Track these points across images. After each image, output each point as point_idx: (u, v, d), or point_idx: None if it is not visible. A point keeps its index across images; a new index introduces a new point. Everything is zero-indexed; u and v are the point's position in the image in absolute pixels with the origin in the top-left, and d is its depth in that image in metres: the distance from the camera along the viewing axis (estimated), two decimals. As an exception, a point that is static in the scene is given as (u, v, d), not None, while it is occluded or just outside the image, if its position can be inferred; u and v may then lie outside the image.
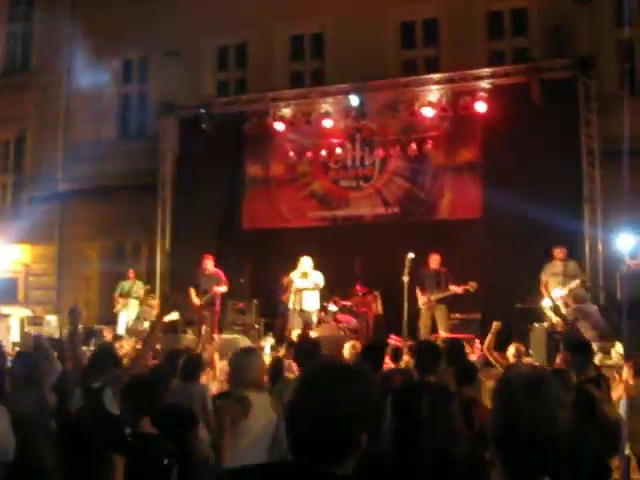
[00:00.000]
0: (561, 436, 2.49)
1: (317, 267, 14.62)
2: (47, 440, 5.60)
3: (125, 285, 17.02)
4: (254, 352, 6.00)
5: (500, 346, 9.85)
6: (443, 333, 10.90)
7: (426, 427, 4.43)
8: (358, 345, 9.81)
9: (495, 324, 9.00)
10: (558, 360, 7.97)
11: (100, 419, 5.22)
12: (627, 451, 6.92)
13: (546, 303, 13.85)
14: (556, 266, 13.94)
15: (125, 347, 11.97)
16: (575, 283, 13.32)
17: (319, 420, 2.21)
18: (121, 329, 16.23)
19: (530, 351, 12.45)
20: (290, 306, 14.49)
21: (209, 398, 7.00)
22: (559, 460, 2.50)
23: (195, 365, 7.57)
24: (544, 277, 13.98)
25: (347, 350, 9.97)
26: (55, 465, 5.45)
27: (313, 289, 14.43)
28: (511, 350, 9.71)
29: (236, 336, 14.85)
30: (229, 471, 3.05)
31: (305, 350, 6.55)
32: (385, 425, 5.19)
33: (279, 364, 8.06)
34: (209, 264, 15.45)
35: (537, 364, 9.11)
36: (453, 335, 12.99)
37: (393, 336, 13.79)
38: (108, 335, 15.25)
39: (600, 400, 5.74)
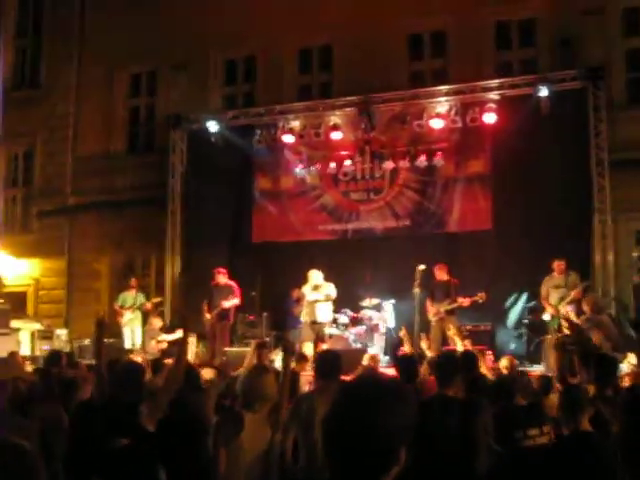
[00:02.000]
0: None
1: (328, 280, 14.59)
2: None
3: (127, 297, 16.69)
4: (265, 371, 6.00)
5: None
6: (460, 345, 10.83)
7: (452, 439, 4.44)
8: (378, 357, 9.81)
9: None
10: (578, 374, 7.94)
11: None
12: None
13: (546, 317, 13.84)
14: (556, 279, 13.92)
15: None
16: (577, 290, 13.29)
17: (360, 436, 2.20)
18: (127, 343, 16.14)
19: (542, 362, 12.46)
20: (302, 319, 14.47)
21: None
22: None
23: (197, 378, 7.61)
24: (544, 290, 13.96)
25: (366, 361, 9.97)
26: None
27: (325, 301, 14.38)
28: (503, 362, 9.70)
29: (246, 349, 14.81)
30: None
31: (327, 364, 6.52)
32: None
33: (295, 379, 8.06)
34: (222, 278, 15.46)
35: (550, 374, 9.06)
36: (467, 347, 12.93)
37: (403, 348, 13.75)
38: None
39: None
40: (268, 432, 5.46)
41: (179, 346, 6.05)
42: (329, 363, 6.53)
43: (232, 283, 15.45)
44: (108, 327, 11.94)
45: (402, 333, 10.51)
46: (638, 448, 5.07)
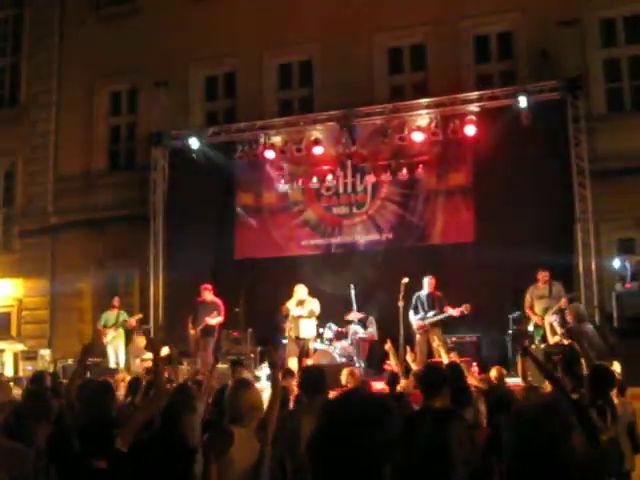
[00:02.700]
0: (573, 462, 2.57)
1: (312, 294, 14.58)
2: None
3: (110, 316, 16.54)
4: (247, 385, 5.97)
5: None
6: (445, 357, 10.82)
7: (427, 452, 4.43)
8: (357, 372, 9.77)
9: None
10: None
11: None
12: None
13: (530, 327, 13.89)
14: (541, 289, 14.00)
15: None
16: (563, 301, 13.34)
17: (344, 455, 2.18)
18: (111, 362, 16.03)
19: (529, 373, 12.43)
20: (287, 334, 14.45)
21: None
22: None
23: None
24: (528, 300, 14.05)
25: (344, 377, 9.92)
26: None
27: (309, 317, 14.37)
28: (493, 373, 9.71)
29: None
30: None
31: (311, 380, 6.51)
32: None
33: (285, 394, 8.04)
34: (207, 294, 15.42)
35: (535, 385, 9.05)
36: (454, 358, 12.91)
37: (389, 362, 13.73)
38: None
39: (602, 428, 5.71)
40: (257, 445, 5.45)
41: (156, 364, 5.99)
42: (313, 379, 6.51)
43: (218, 300, 15.43)
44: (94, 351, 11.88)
45: (387, 346, 10.49)
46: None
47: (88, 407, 5.92)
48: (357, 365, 13.63)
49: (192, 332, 15.08)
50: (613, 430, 6.50)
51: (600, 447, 5.33)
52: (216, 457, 5.25)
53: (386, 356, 13.99)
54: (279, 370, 6.39)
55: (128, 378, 11.59)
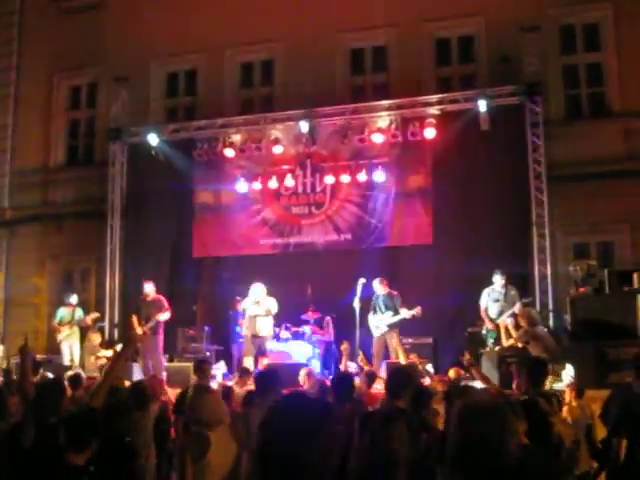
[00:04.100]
0: (509, 460, 2.68)
1: (269, 294, 14.55)
2: None
3: (65, 313, 16.18)
4: (207, 391, 5.97)
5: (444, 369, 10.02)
6: (402, 358, 10.88)
7: (371, 451, 4.47)
8: (313, 372, 9.79)
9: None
10: (514, 386, 8.03)
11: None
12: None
13: (484, 330, 13.99)
14: (496, 292, 14.09)
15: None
16: (517, 307, 13.45)
17: (285, 458, 2.18)
18: (66, 359, 15.79)
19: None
20: (243, 333, 14.40)
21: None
22: None
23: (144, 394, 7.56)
24: (483, 303, 14.13)
25: (302, 377, 9.94)
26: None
27: (266, 315, 14.35)
28: (451, 374, 9.78)
29: (187, 364, 14.63)
30: None
31: (264, 381, 6.52)
32: (354, 443, 5.29)
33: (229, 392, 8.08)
34: (150, 290, 15.21)
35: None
36: (410, 360, 12.97)
37: (346, 363, 13.79)
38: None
39: (554, 421, 5.78)
40: (234, 448, 5.48)
41: (112, 361, 5.91)
42: (267, 380, 6.53)
43: (160, 296, 15.20)
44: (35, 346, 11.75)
45: (343, 347, 10.54)
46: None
47: (38, 406, 5.87)
48: (312, 365, 13.63)
49: (139, 330, 14.54)
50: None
51: (552, 443, 5.41)
52: (193, 461, 5.26)
53: (342, 356, 14.11)
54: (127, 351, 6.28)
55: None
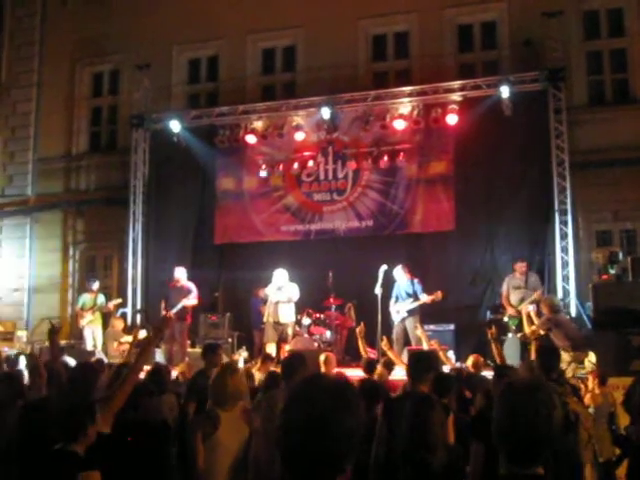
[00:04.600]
0: (555, 432, 2.86)
1: (291, 280, 14.56)
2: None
3: (87, 299, 16.32)
4: (233, 369, 6.01)
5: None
6: (425, 343, 10.84)
7: (408, 436, 4.48)
8: (333, 357, 9.78)
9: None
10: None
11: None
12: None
13: (505, 317, 13.95)
14: (517, 279, 14.08)
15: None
16: (537, 294, 13.43)
17: (305, 441, 2.17)
18: (88, 345, 15.90)
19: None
20: (265, 319, 14.42)
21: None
22: (551, 453, 2.89)
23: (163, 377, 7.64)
24: (505, 290, 14.12)
25: (321, 362, 9.94)
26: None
27: (288, 302, 14.35)
28: (470, 361, 9.75)
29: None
30: None
31: (291, 365, 6.55)
32: (377, 430, 5.31)
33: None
34: (181, 275, 15.31)
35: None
36: (431, 345, 12.94)
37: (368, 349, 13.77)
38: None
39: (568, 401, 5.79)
40: (244, 428, 5.54)
41: (143, 346, 5.89)
42: (292, 365, 6.55)
43: (191, 284, 15.28)
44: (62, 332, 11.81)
45: (358, 329, 10.56)
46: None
47: (72, 388, 5.92)
48: (335, 351, 13.64)
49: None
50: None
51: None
52: (203, 439, 5.32)
53: (358, 339, 14.09)
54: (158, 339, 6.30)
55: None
